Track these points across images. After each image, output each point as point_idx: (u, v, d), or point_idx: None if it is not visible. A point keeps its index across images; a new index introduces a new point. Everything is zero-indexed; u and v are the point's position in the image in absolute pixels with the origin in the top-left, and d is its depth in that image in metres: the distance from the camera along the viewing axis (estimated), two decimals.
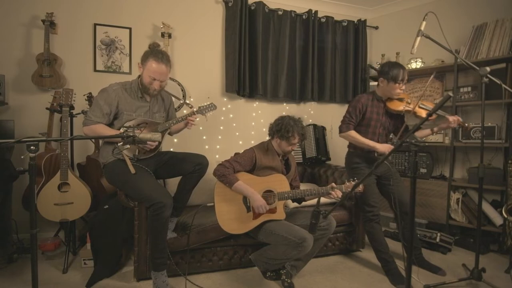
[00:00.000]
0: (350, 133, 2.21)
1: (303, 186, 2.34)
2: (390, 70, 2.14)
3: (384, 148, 2.15)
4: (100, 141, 2.58)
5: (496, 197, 2.86)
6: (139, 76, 2.05)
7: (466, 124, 2.20)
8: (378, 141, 2.26)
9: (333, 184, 2.00)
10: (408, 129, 2.30)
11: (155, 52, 1.94)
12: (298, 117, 2.14)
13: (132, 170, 1.90)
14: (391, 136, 2.33)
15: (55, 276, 2.13)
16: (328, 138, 3.35)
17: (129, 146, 1.92)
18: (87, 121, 1.90)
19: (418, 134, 2.33)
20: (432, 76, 2.14)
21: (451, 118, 2.12)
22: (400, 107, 2.21)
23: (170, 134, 2.33)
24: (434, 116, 2.13)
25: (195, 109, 2.14)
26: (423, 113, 2.18)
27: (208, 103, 2.18)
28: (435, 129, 2.23)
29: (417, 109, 2.17)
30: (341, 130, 2.25)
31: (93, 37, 2.85)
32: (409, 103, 2.22)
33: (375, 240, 2.22)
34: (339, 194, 1.95)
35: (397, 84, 2.14)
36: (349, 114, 2.24)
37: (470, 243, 2.69)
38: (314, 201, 2.07)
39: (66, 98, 2.28)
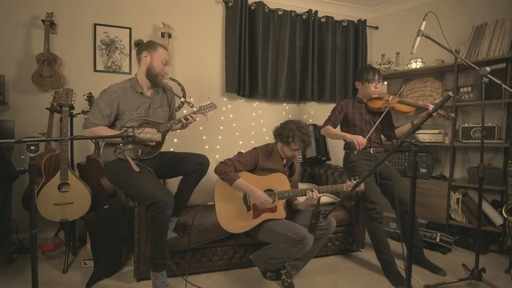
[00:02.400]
0: (325, 128, 2.41)
1: (303, 186, 2.34)
2: (362, 73, 2.38)
3: (352, 137, 2.23)
4: (100, 141, 2.58)
5: (496, 197, 2.86)
6: (136, 74, 2.06)
7: (452, 114, 2.26)
8: (368, 138, 2.31)
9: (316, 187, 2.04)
10: (391, 122, 2.50)
11: (158, 42, 2.09)
12: (304, 123, 2.10)
13: (136, 169, 1.89)
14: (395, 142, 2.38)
15: (55, 276, 2.13)
16: (328, 138, 3.35)
17: (131, 147, 1.93)
18: (88, 123, 1.90)
19: (399, 131, 2.45)
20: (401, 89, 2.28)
21: (431, 106, 2.21)
22: (379, 104, 2.35)
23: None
24: (413, 109, 2.30)
25: (195, 109, 2.14)
26: (403, 108, 2.31)
27: (208, 102, 2.18)
28: (415, 121, 2.31)
29: (395, 104, 2.31)
30: (321, 127, 2.46)
31: (93, 37, 2.85)
32: (388, 100, 2.34)
33: (378, 240, 2.22)
34: (314, 196, 1.96)
35: (370, 84, 2.32)
36: (330, 115, 2.46)
37: (470, 243, 2.69)
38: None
39: (66, 98, 2.28)
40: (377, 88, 2.34)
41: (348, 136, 2.26)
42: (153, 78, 2.02)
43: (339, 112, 2.41)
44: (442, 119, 2.32)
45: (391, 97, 2.35)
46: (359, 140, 2.19)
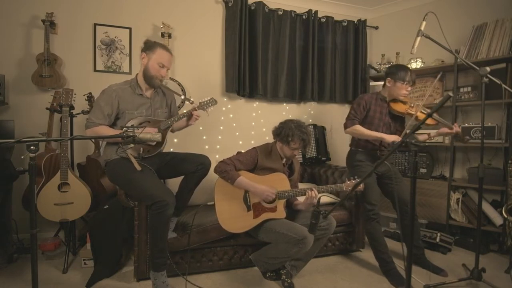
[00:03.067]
0: (355, 127, 2.22)
1: (303, 186, 2.34)
2: (398, 71, 2.20)
3: (392, 138, 2.14)
4: (101, 141, 2.58)
5: (496, 197, 2.86)
6: (137, 74, 2.07)
7: (466, 137, 2.24)
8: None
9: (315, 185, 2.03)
10: (404, 128, 2.36)
11: (160, 43, 2.05)
12: (303, 122, 2.10)
13: (138, 167, 1.89)
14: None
15: (55, 276, 2.13)
16: (328, 138, 3.35)
17: (132, 145, 1.93)
18: (89, 123, 1.91)
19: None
20: (438, 77, 2.18)
21: (455, 127, 2.17)
22: (403, 109, 2.24)
23: (172, 131, 2.31)
24: (435, 122, 2.19)
25: (196, 105, 2.14)
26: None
27: (209, 98, 2.18)
28: (433, 133, 2.26)
29: (419, 113, 2.19)
30: (346, 126, 2.27)
31: (93, 37, 2.85)
32: (412, 107, 2.24)
33: (375, 240, 2.22)
34: (313, 195, 1.96)
35: (404, 85, 2.19)
36: (354, 110, 2.27)
37: (470, 243, 2.69)
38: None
39: (66, 98, 2.28)
40: (408, 91, 2.22)
41: (387, 137, 2.15)
42: (149, 80, 2.01)
43: (364, 108, 2.25)
44: (458, 140, 2.29)
45: (415, 105, 2.25)
46: (397, 140, 2.11)
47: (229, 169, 1.97)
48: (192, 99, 2.19)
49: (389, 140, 2.14)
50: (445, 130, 2.22)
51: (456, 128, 2.18)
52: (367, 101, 2.26)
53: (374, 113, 2.27)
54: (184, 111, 2.14)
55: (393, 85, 2.23)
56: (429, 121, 2.19)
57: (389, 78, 2.25)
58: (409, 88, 2.22)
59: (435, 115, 2.23)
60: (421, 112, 2.21)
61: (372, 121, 2.26)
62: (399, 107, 2.25)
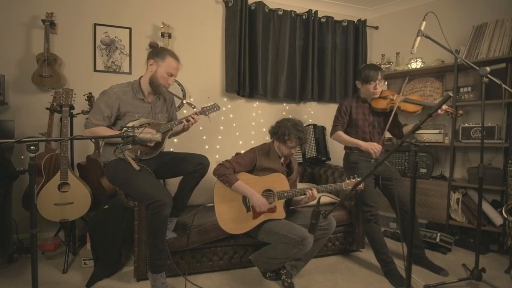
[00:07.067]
0: (337, 133, 2.32)
1: (303, 186, 2.34)
2: (362, 72, 2.25)
3: (367, 145, 2.18)
4: (100, 141, 2.58)
5: (496, 197, 2.86)
6: (141, 77, 2.04)
7: (460, 111, 2.18)
8: (370, 139, 2.30)
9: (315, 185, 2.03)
10: (398, 120, 2.40)
11: (170, 50, 2.04)
12: (299, 120, 2.10)
13: (136, 167, 1.89)
14: (394, 142, 2.34)
15: (55, 276, 2.13)
16: (328, 138, 3.35)
17: (130, 147, 1.92)
18: (88, 123, 1.91)
19: (406, 129, 2.38)
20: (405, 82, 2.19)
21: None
22: (384, 104, 2.27)
23: (168, 137, 2.29)
24: (419, 108, 2.21)
25: (198, 110, 2.09)
26: (409, 107, 2.22)
27: (212, 103, 2.13)
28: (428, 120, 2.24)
29: (400, 103, 2.22)
30: (331, 133, 2.38)
31: (93, 37, 2.85)
32: (393, 100, 2.25)
33: (374, 240, 2.23)
34: (315, 193, 1.97)
35: (369, 85, 2.23)
36: (336, 117, 2.37)
37: (470, 243, 2.69)
38: (313, 202, 2.06)
39: (66, 98, 2.28)
40: (377, 89, 2.24)
41: (363, 144, 2.20)
42: (155, 87, 2.00)
43: (345, 113, 2.32)
44: (450, 117, 2.27)
45: (395, 95, 2.25)
46: (375, 148, 2.14)
47: (227, 172, 1.97)
48: (194, 105, 2.13)
49: (364, 146, 2.19)
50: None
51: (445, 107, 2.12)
52: (347, 106, 2.33)
53: (357, 115, 2.32)
54: (184, 114, 2.11)
55: (362, 87, 2.30)
56: (412, 108, 2.21)
57: (357, 81, 2.32)
58: (378, 87, 2.23)
59: (415, 99, 2.25)
60: (402, 102, 2.23)
61: (357, 123, 2.32)
62: (380, 104, 2.28)
